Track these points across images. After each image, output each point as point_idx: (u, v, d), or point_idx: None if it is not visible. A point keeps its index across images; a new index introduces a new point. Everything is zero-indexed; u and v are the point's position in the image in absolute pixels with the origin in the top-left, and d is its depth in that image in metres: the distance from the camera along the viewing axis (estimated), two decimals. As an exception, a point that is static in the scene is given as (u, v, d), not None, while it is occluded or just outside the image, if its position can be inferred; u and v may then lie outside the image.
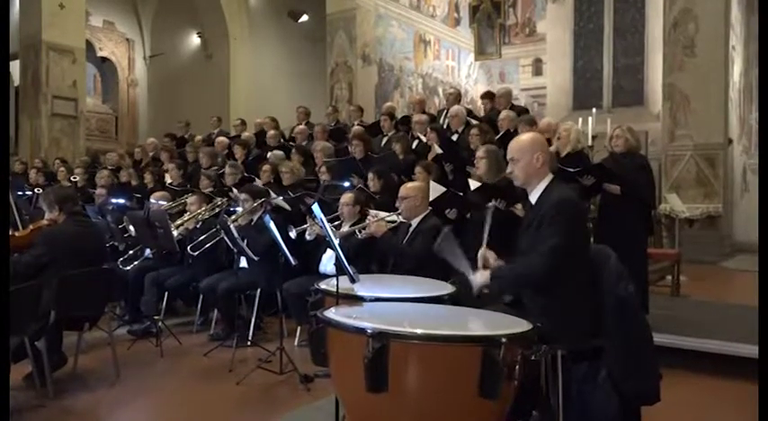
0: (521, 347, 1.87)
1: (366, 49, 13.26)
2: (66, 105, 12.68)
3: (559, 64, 14.59)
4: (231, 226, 4.21)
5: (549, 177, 2.58)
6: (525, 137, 2.66)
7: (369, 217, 3.85)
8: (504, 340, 1.76)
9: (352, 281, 2.31)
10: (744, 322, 4.43)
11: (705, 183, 9.52)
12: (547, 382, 2.46)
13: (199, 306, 5.10)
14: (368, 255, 4.17)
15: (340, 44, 13.08)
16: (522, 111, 6.87)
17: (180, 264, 5.15)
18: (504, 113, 6.17)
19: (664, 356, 3.85)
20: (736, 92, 11.09)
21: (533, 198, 2.58)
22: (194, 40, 16.68)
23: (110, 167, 7.75)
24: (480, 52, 13.22)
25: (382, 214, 3.99)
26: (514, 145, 2.62)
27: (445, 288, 2.71)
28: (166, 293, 5.10)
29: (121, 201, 5.44)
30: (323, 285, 2.62)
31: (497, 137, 5.78)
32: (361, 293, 2.45)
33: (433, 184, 4.39)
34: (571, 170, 4.39)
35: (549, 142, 5.02)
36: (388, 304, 2.34)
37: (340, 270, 2.38)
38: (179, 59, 16.89)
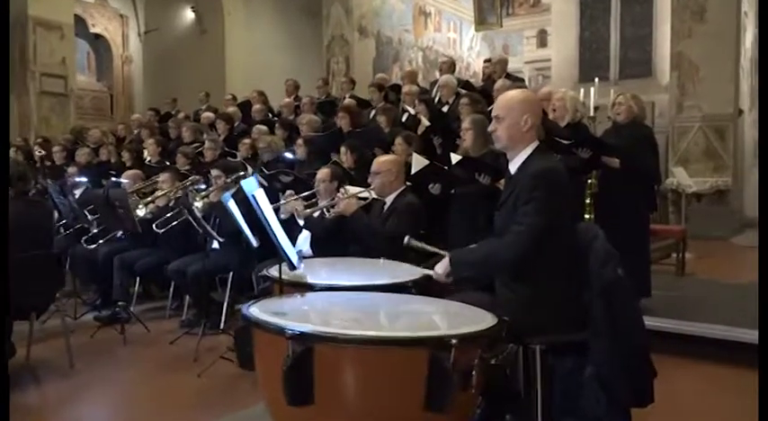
0: (479, 348, 1.55)
1: (363, 21, 12.86)
2: (56, 83, 12.38)
3: (565, 35, 14.12)
4: (197, 204, 3.90)
5: (534, 145, 2.24)
6: (516, 93, 2.30)
7: (338, 194, 3.52)
8: (454, 342, 1.44)
9: (292, 267, 1.99)
10: (751, 302, 4.10)
11: (714, 156, 9.11)
12: (526, 380, 2.15)
13: (171, 290, 4.82)
14: (345, 236, 3.86)
15: (336, 16, 12.70)
16: (517, 80, 6.47)
17: (153, 245, 4.86)
18: (499, 83, 5.78)
19: (665, 342, 3.56)
20: (748, 60, 10.61)
21: (513, 167, 2.25)
22: (188, 14, 16.23)
23: (91, 145, 7.43)
24: (481, 22, 12.69)
25: (354, 190, 3.66)
26: (502, 100, 2.28)
27: (414, 273, 2.40)
28: (139, 276, 4.83)
29: (84, 178, 5.13)
30: (272, 271, 2.30)
31: (490, 107, 5.41)
32: (311, 281, 2.13)
33: (415, 156, 4.06)
34: (565, 142, 4.04)
35: (545, 114, 4.66)
36: (337, 295, 2.02)
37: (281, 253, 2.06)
38: (174, 35, 16.48)
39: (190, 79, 14.52)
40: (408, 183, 4.13)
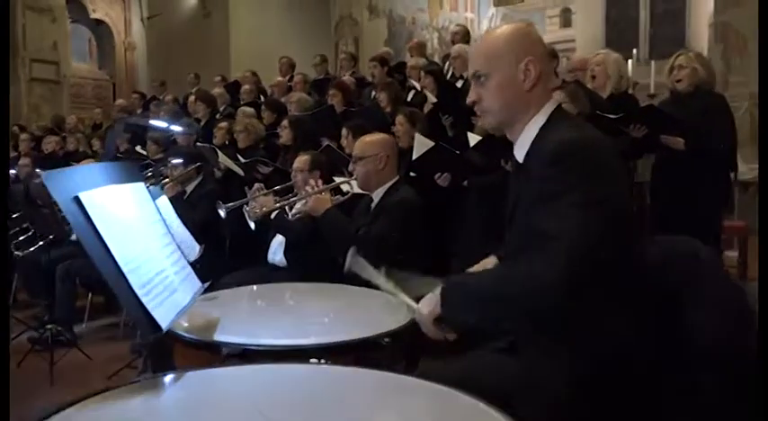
0: None
1: (373, 0, 12.01)
2: (47, 69, 11.72)
3: (590, 13, 13.09)
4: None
5: (550, 107, 1.35)
6: (500, 31, 1.39)
7: (307, 187, 2.64)
8: None
9: (153, 330, 1.10)
10: None
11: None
12: None
13: (126, 304, 4.00)
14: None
15: (345, -6, 11.88)
16: (545, 50, 5.52)
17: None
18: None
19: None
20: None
21: (520, 152, 1.37)
22: (191, -3, 15.45)
23: (63, 134, 6.67)
24: (500, -4, 11.72)
25: (340, 180, 2.79)
26: (480, 47, 1.41)
27: (396, 313, 1.52)
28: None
29: (13, 172, 4.33)
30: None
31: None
32: (220, 337, 1.26)
33: (417, 138, 3.19)
34: (612, 117, 3.13)
35: (579, 84, 3.74)
36: (244, 376, 1.14)
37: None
38: (178, 19, 15.72)
39: (195, 64, 13.71)
40: (411, 173, 3.27)
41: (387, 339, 1.35)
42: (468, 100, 1.40)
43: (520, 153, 1.36)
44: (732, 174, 3.39)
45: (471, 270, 1.54)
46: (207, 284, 1.46)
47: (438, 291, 1.30)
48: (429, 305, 1.31)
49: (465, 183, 3.23)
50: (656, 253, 1.34)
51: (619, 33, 12.99)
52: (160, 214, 2.23)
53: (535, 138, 1.33)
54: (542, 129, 1.32)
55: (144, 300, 1.05)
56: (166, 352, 1.38)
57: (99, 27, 15.72)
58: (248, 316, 1.57)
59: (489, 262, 1.55)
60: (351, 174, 2.58)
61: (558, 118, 1.33)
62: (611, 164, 1.26)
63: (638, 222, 1.83)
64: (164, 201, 2.37)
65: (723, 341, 1.21)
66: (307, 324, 1.47)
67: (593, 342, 1.22)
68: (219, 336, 1.29)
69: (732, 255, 5.11)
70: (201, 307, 1.47)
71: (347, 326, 1.45)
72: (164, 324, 1.07)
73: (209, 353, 1.26)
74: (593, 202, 1.18)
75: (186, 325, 1.36)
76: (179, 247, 2.27)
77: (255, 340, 1.27)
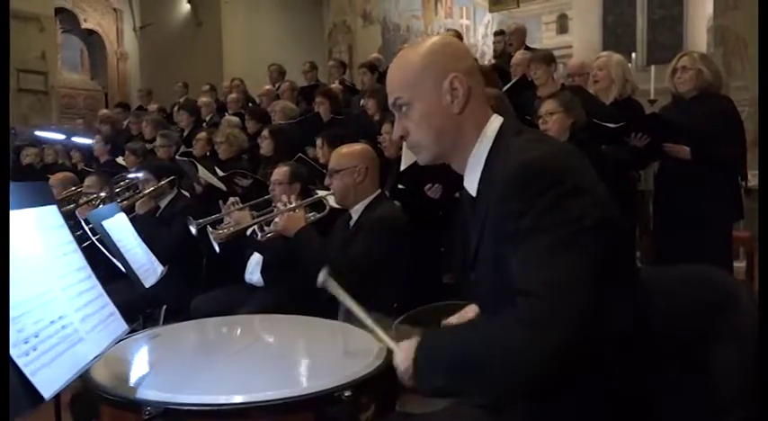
0: None
1: (367, 7, 11.89)
2: (35, 79, 11.54)
3: (587, 19, 13.05)
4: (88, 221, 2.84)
5: (495, 125, 1.14)
6: (411, 52, 1.18)
7: (278, 203, 2.41)
8: None
9: (34, 400, 0.84)
10: None
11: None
12: None
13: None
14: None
15: (338, 1, 11.74)
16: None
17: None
18: (518, 55, 4.66)
19: None
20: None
21: (471, 184, 1.16)
22: (185, 6, 15.28)
23: (43, 146, 6.47)
24: (496, 2, 11.58)
25: (322, 193, 2.57)
26: (395, 73, 1.18)
27: (368, 353, 1.29)
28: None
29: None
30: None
31: (507, 86, 4.29)
32: (143, 394, 1.03)
33: (406, 147, 2.98)
34: (611, 125, 2.92)
35: (580, 89, 3.54)
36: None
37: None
38: (170, 29, 15.57)
39: (188, 73, 13.54)
40: (399, 186, 3.06)
41: (348, 393, 1.11)
42: (395, 136, 1.20)
43: (471, 185, 1.15)
44: (743, 183, 3.16)
45: (452, 319, 1.32)
46: (133, 326, 1.23)
47: (414, 345, 1.09)
48: (404, 358, 1.10)
49: (457, 194, 3.01)
50: (671, 284, 1.12)
51: (616, 39, 12.88)
52: (109, 238, 2.01)
53: (485, 165, 1.11)
54: (492, 152, 1.11)
55: (20, 361, 0.82)
56: (94, 410, 1.15)
57: (91, 37, 15.58)
58: (187, 361, 1.32)
59: (470, 310, 1.33)
60: (327, 189, 2.36)
61: (508, 135, 1.11)
62: (589, 179, 1.03)
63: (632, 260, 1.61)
64: (118, 220, 2.14)
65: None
66: (256, 372, 1.24)
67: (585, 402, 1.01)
68: (143, 391, 1.07)
69: (739, 266, 4.88)
70: (136, 349, 1.24)
71: (305, 374, 1.22)
72: (47, 391, 0.84)
73: (132, 413, 1.04)
74: (579, 236, 0.94)
75: (111, 376, 1.13)
76: (134, 277, 2.04)
77: (185, 396, 1.04)
